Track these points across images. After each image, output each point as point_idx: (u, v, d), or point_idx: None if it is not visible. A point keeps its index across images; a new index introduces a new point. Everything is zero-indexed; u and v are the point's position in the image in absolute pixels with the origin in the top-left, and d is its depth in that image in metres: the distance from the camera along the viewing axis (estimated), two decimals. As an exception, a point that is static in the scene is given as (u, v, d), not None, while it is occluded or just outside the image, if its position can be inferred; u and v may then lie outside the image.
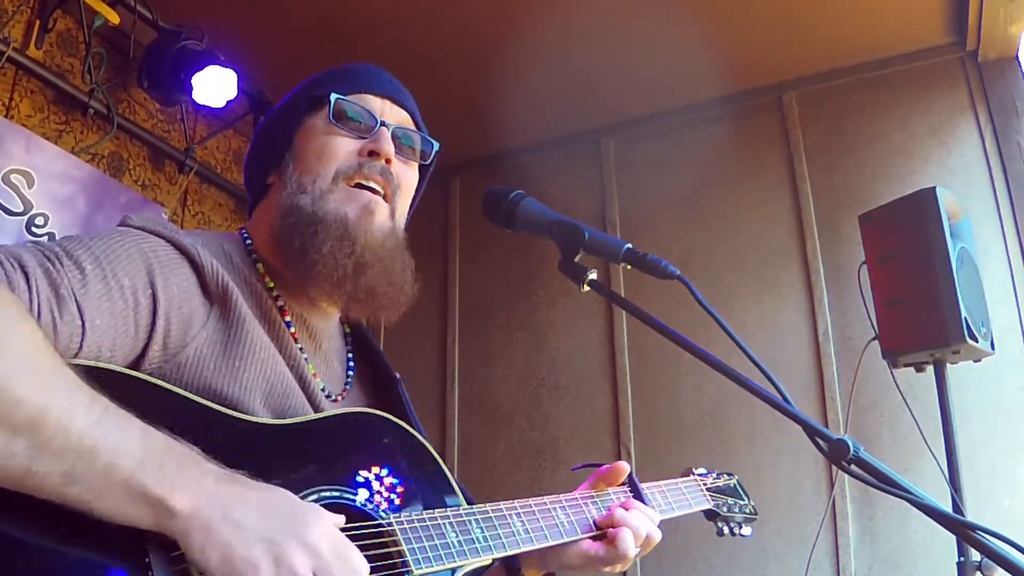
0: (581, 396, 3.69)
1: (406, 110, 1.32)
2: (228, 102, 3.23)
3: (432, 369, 3.96)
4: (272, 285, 1.21)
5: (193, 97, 3.16)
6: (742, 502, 1.71)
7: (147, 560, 0.83)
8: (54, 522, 0.80)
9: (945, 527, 0.95)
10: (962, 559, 2.26)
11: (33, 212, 2.88)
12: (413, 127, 1.33)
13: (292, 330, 1.19)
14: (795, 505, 3.13)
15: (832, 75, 3.58)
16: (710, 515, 1.63)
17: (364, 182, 1.23)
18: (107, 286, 0.97)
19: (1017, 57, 3.30)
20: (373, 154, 1.23)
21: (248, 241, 1.26)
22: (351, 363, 1.32)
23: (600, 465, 1.39)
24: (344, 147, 1.23)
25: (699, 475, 1.67)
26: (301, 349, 1.19)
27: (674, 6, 3.13)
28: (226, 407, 1.02)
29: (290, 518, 0.86)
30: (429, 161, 1.36)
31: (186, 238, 1.10)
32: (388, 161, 1.24)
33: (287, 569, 0.83)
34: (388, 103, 1.29)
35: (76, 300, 0.93)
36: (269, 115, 1.38)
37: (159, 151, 3.49)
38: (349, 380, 1.30)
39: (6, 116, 2.91)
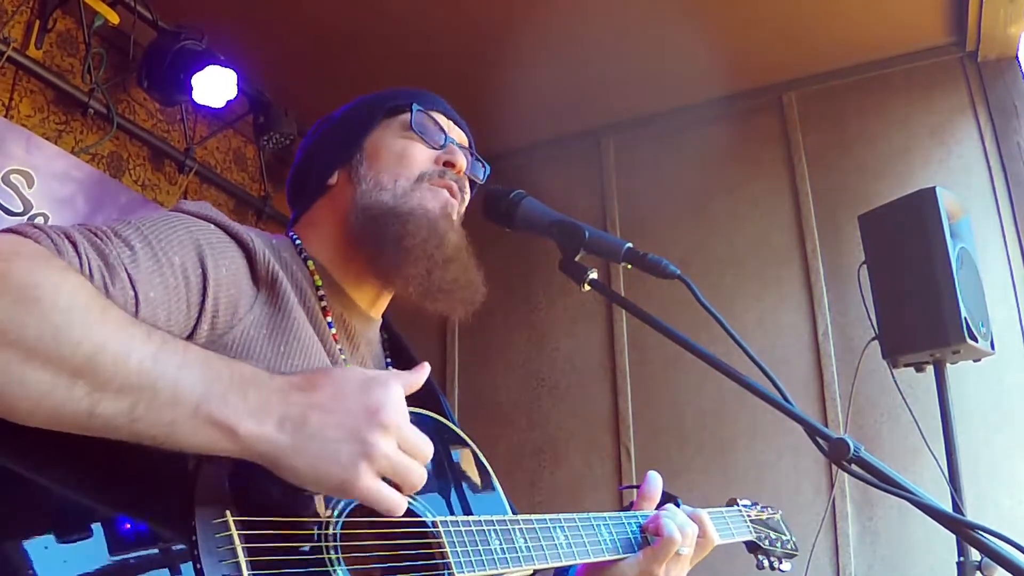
0: (581, 396, 3.69)
1: (466, 135, 1.42)
2: (228, 102, 3.22)
3: (432, 369, 3.95)
4: (320, 284, 1.23)
5: (193, 97, 3.16)
6: (784, 537, 1.71)
7: (192, 524, 0.83)
8: (104, 477, 0.81)
9: (945, 527, 0.95)
10: (962, 559, 2.26)
11: (33, 212, 2.88)
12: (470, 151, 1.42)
13: (333, 331, 1.21)
14: (795, 505, 3.13)
15: (832, 75, 3.58)
16: (751, 547, 1.63)
17: (440, 189, 1.30)
18: (158, 263, 0.97)
19: (1017, 57, 3.30)
20: (449, 165, 1.31)
21: (297, 241, 1.29)
22: (388, 368, 1.34)
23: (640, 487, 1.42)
24: (423, 153, 1.31)
25: (743, 506, 1.68)
26: (340, 350, 1.21)
27: (674, 6, 3.13)
28: None
29: (362, 402, 0.87)
30: (481, 183, 1.44)
31: (238, 225, 1.12)
32: (460, 173, 1.33)
33: (380, 459, 0.85)
34: (453, 125, 1.39)
35: (127, 271, 0.93)
36: (327, 122, 1.41)
37: (159, 151, 3.49)
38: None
39: (6, 116, 2.91)
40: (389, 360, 1.37)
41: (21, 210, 2.85)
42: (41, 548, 0.76)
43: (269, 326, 1.08)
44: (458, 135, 1.39)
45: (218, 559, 0.83)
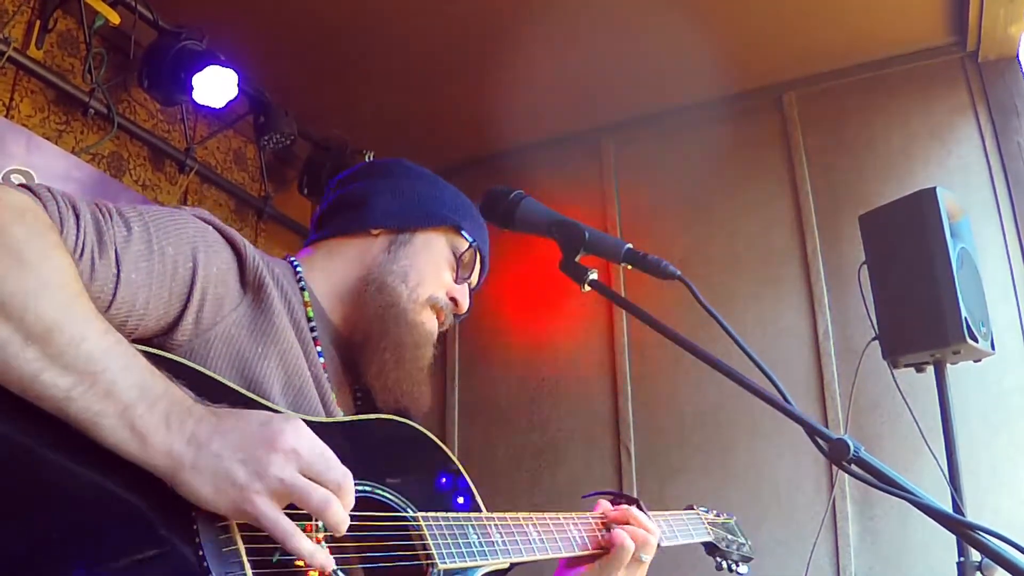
0: (581, 396, 3.69)
1: (484, 273, 1.52)
2: (228, 102, 3.23)
3: (432, 369, 3.95)
4: (311, 316, 1.26)
5: (193, 97, 3.16)
6: (740, 541, 1.82)
7: (195, 527, 0.86)
8: (104, 480, 0.84)
9: (945, 527, 0.95)
10: (962, 559, 2.26)
11: (33, 212, 2.88)
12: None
13: (323, 360, 1.24)
14: (795, 505, 3.13)
15: (832, 75, 3.58)
16: (710, 549, 1.74)
17: (437, 316, 1.40)
18: (149, 249, 1.02)
19: (1017, 57, 3.30)
20: (454, 302, 1.41)
21: (298, 268, 1.33)
22: (359, 393, 1.37)
23: (608, 493, 1.50)
24: (447, 281, 1.41)
25: (702, 511, 1.77)
26: (328, 378, 1.24)
27: (674, 6, 3.13)
28: (247, 388, 1.06)
29: (262, 432, 0.88)
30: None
31: (234, 232, 1.16)
32: (458, 313, 1.44)
33: (273, 479, 0.86)
34: (481, 268, 1.49)
35: (116, 250, 0.98)
36: (409, 175, 1.45)
37: (159, 151, 3.49)
38: (358, 408, 1.36)
39: (7, 116, 2.91)
40: (360, 392, 1.39)
41: (21, 210, 2.84)
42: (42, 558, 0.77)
43: (250, 327, 1.12)
44: (477, 276, 1.49)
45: (225, 570, 0.85)
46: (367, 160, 3.83)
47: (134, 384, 0.86)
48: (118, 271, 0.97)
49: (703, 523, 1.73)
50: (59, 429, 0.83)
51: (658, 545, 1.47)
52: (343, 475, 0.91)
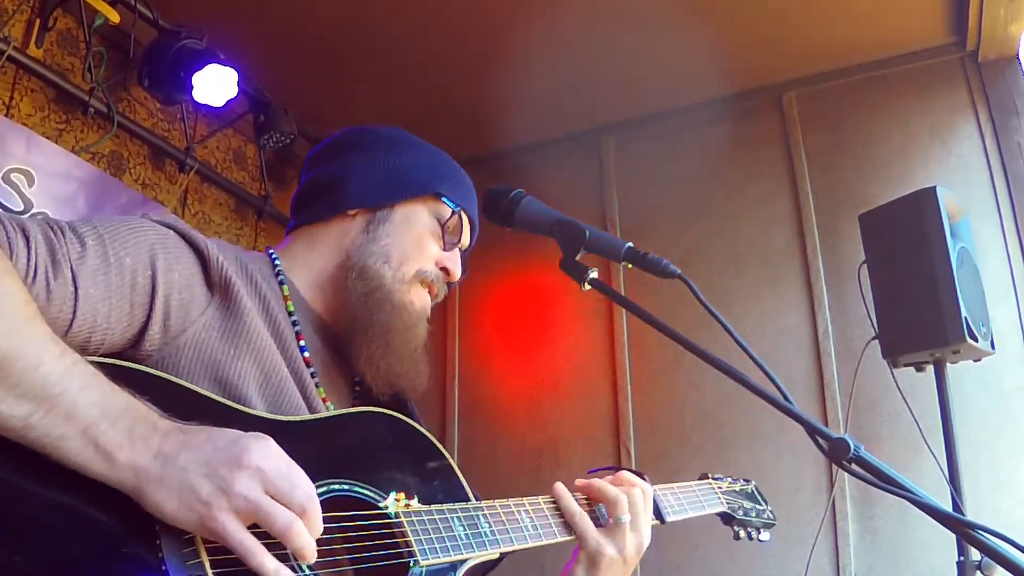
0: (581, 396, 3.68)
1: (474, 236, 1.46)
2: (228, 101, 3.23)
3: (432, 369, 3.95)
4: (292, 310, 1.24)
5: (193, 96, 3.16)
6: (760, 507, 1.72)
7: (158, 542, 0.85)
8: (66, 497, 0.83)
9: (945, 526, 0.95)
10: (962, 558, 2.26)
11: (33, 211, 2.88)
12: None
13: (306, 355, 1.22)
14: (795, 505, 3.13)
15: (832, 75, 3.58)
16: (726, 519, 1.64)
17: (429, 290, 1.35)
18: (106, 262, 1.00)
19: (1017, 57, 3.30)
20: (445, 271, 1.36)
21: (277, 262, 1.30)
22: (357, 380, 1.35)
23: (612, 468, 1.43)
24: (434, 252, 1.35)
25: (715, 479, 1.68)
26: (313, 373, 1.22)
27: (674, 6, 3.13)
28: (223, 393, 1.05)
29: (229, 449, 0.88)
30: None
31: (198, 233, 1.13)
32: (450, 280, 1.38)
33: (238, 497, 0.85)
34: (471, 230, 1.43)
35: (71, 268, 0.96)
36: (373, 147, 1.40)
37: (159, 150, 3.49)
38: (356, 395, 1.33)
39: (6, 115, 2.91)
40: (358, 379, 1.37)
41: (21, 208, 2.85)
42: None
43: (220, 329, 1.10)
44: (467, 239, 1.42)
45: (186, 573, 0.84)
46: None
47: (94, 403, 0.85)
48: (75, 288, 0.96)
49: (715, 493, 1.63)
50: (17, 451, 0.81)
51: (662, 520, 1.41)
52: (308, 497, 0.89)
